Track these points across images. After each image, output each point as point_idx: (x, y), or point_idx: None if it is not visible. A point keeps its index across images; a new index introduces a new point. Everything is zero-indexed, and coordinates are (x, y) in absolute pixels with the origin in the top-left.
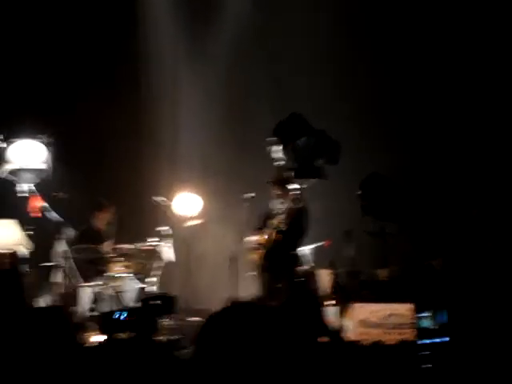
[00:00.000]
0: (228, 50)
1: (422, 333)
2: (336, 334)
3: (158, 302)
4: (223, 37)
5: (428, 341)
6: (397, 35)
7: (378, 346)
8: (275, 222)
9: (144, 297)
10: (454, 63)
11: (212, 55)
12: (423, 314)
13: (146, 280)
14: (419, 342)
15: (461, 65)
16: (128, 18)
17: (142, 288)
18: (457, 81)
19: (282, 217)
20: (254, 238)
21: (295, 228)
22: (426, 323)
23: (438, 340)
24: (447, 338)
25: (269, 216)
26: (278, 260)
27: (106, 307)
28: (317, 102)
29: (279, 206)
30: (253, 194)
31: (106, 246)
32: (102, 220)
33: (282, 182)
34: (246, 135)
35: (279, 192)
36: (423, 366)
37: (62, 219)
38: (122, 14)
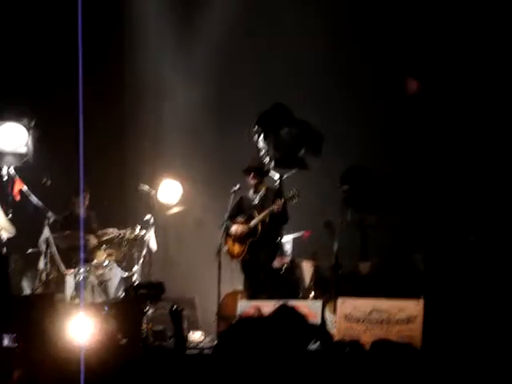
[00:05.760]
0: (213, 41)
1: None
2: (324, 331)
3: (144, 290)
4: (210, 27)
5: None
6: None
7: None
8: (257, 213)
9: (129, 286)
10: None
11: (198, 44)
12: None
13: (130, 269)
14: None
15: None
16: (116, 10)
17: (126, 277)
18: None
19: (270, 208)
20: (236, 229)
21: (281, 218)
22: None
23: None
24: None
25: (243, 206)
26: (261, 251)
27: (89, 296)
28: (302, 92)
29: (253, 195)
30: (238, 186)
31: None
32: (79, 205)
33: (259, 172)
34: (228, 125)
35: (255, 181)
36: None
37: (42, 204)
38: (110, 5)
